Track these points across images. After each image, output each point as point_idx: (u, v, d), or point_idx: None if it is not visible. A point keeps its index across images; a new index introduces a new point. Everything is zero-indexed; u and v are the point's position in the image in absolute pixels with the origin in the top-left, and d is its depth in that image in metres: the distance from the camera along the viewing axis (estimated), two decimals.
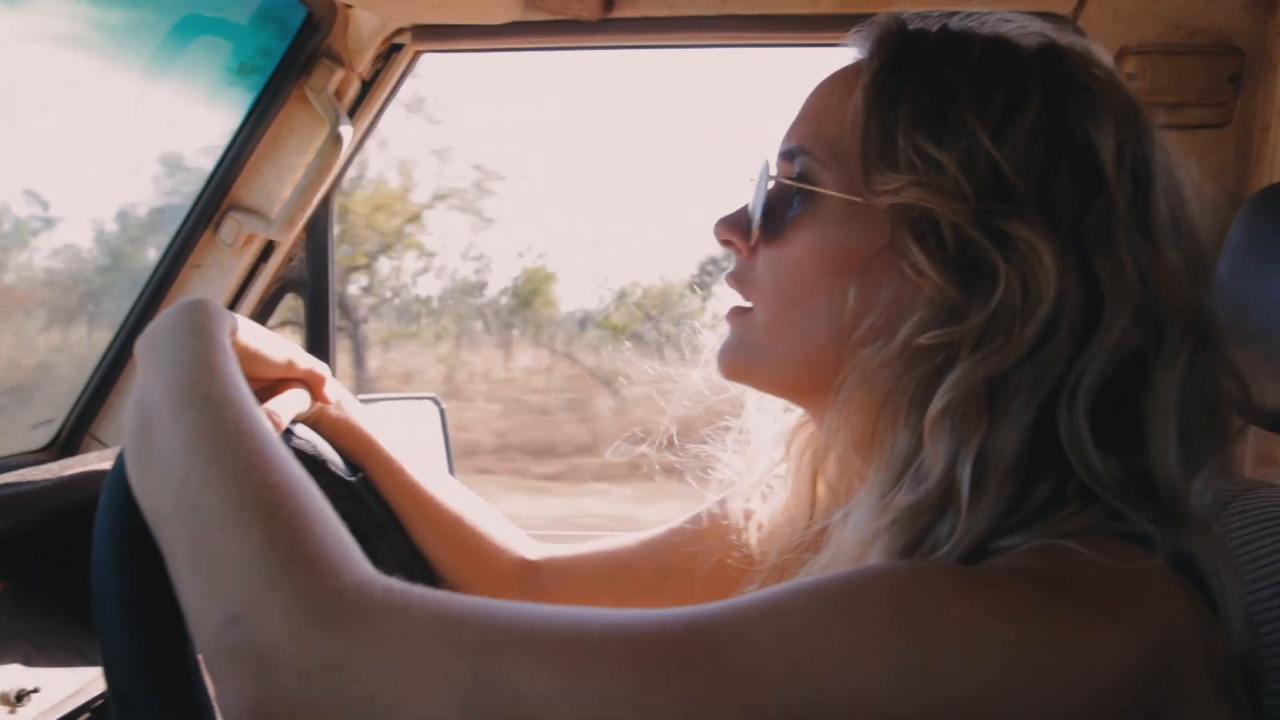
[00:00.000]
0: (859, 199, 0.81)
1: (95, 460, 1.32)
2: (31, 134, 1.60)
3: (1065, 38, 0.84)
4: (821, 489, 1.03)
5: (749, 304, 0.90)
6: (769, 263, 0.87)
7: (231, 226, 1.76)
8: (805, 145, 0.86)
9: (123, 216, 1.92)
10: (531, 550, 1.24)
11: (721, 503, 1.13)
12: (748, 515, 1.09)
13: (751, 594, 0.65)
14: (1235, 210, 1.08)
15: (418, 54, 1.75)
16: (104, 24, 1.60)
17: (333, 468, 1.10)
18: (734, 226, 0.91)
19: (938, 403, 0.72)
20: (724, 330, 0.94)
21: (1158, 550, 0.67)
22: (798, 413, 1.05)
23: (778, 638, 0.60)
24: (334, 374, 1.87)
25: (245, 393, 0.79)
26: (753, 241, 0.89)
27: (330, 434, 1.13)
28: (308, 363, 1.04)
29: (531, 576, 1.22)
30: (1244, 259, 1.05)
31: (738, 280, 0.92)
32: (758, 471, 1.09)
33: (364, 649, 0.61)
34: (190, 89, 1.70)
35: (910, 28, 0.85)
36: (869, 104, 0.80)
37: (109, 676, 0.74)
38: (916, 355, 0.75)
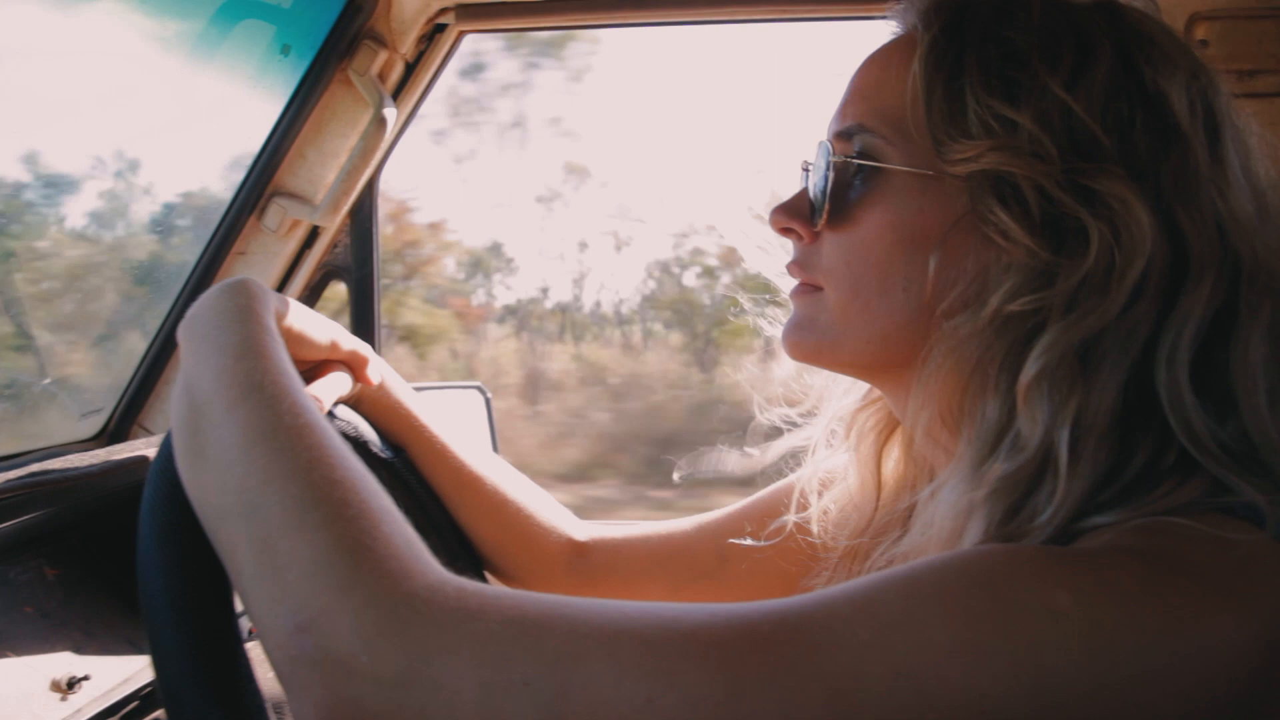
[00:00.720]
0: (931, 171, 0.78)
1: (142, 446, 1.31)
2: (71, 120, 1.60)
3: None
4: (888, 471, 1.00)
5: (818, 284, 0.88)
6: (839, 246, 0.85)
7: (276, 212, 1.74)
8: (865, 122, 0.83)
9: (168, 204, 1.92)
10: (580, 531, 1.21)
11: (785, 489, 1.10)
12: (810, 499, 1.07)
13: (840, 586, 0.62)
14: None
15: (461, 34, 1.72)
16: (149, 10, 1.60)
17: (372, 448, 1.07)
18: (794, 213, 0.89)
19: (1030, 369, 0.69)
20: (788, 310, 0.92)
21: (1268, 525, 0.63)
22: (856, 396, 1.03)
23: (873, 634, 0.57)
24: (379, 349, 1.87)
25: (298, 381, 0.77)
26: (817, 227, 0.87)
27: (372, 414, 1.10)
28: (351, 344, 1.02)
29: (581, 558, 1.19)
30: None
31: (802, 267, 0.89)
32: (818, 457, 1.07)
33: (441, 657, 0.59)
34: (234, 72, 1.68)
35: None
36: (930, 73, 0.78)
37: (159, 675, 0.72)
38: (1007, 322, 0.72)
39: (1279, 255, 0.73)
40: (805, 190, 0.90)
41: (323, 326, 0.97)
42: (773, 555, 1.07)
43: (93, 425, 1.78)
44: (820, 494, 1.06)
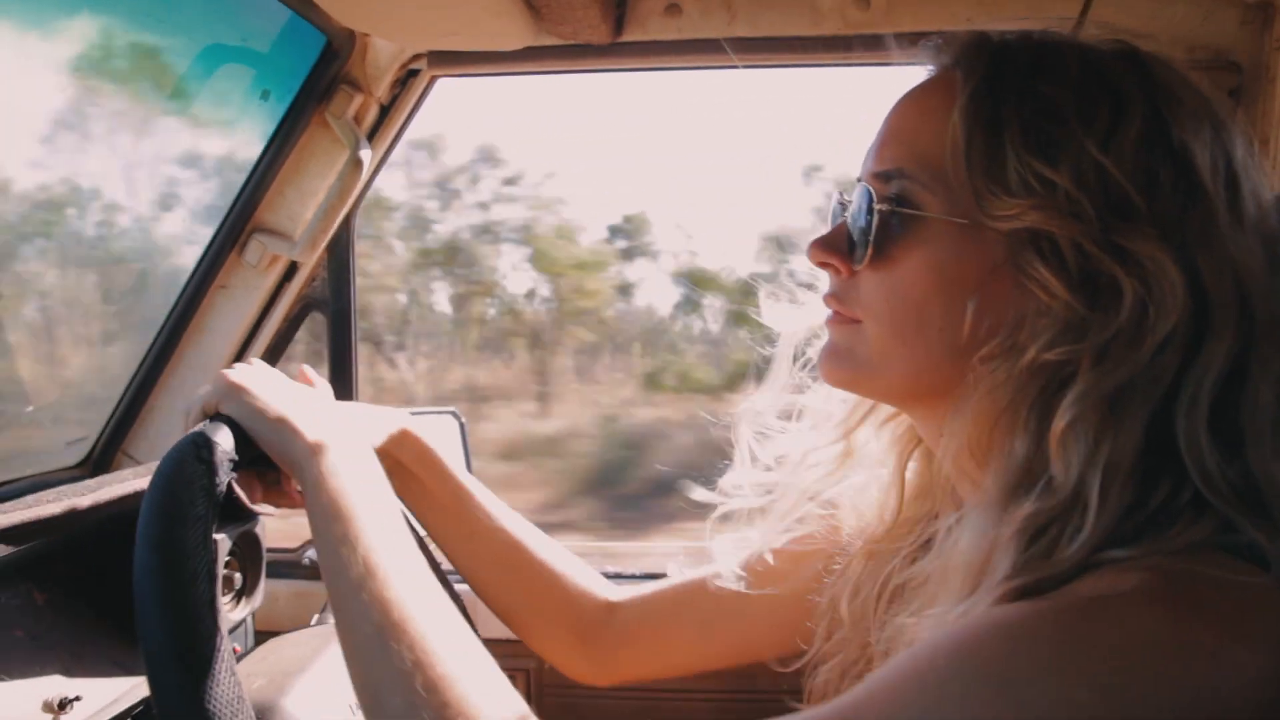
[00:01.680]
0: (970, 221, 0.82)
1: (130, 477, 1.38)
2: (59, 158, 1.66)
3: (1140, 42, 0.85)
4: (909, 479, 1.05)
5: (856, 317, 0.91)
6: (877, 284, 0.88)
7: (256, 248, 1.82)
8: (904, 167, 0.86)
9: (151, 238, 1.98)
10: (610, 590, 1.27)
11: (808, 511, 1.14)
12: (838, 509, 1.11)
13: (861, 690, 0.69)
14: None
15: (434, 79, 1.80)
16: (131, 53, 1.66)
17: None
18: (832, 249, 0.92)
19: (1064, 416, 0.74)
20: (824, 336, 0.96)
21: (1274, 568, 0.69)
22: (882, 412, 1.07)
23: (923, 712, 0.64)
24: (356, 388, 1.94)
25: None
26: (858, 265, 0.90)
27: (420, 479, 1.22)
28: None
29: (613, 615, 1.25)
30: None
31: (839, 300, 0.93)
32: (841, 467, 1.11)
33: None
34: (214, 114, 1.75)
35: (995, 42, 0.86)
36: (970, 125, 0.81)
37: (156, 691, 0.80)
38: (1040, 369, 0.77)
39: None
40: (843, 225, 0.93)
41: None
42: (793, 576, 1.11)
43: (78, 452, 1.84)
44: (848, 501, 1.10)
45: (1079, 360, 0.75)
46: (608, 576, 1.29)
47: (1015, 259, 0.79)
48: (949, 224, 0.83)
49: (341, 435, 0.96)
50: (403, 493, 1.21)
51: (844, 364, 0.92)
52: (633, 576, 1.93)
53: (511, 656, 1.20)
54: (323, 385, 1.15)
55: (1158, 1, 1.58)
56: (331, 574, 0.87)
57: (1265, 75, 1.58)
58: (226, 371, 1.01)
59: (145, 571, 0.82)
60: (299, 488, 0.96)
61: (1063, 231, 0.77)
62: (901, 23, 1.61)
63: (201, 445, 0.89)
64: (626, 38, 1.67)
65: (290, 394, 1.00)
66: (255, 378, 1.01)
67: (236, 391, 0.98)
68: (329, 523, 0.89)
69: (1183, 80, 0.82)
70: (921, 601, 0.85)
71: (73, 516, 1.21)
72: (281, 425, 0.95)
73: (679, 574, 1.25)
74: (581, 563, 1.29)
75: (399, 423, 1.20)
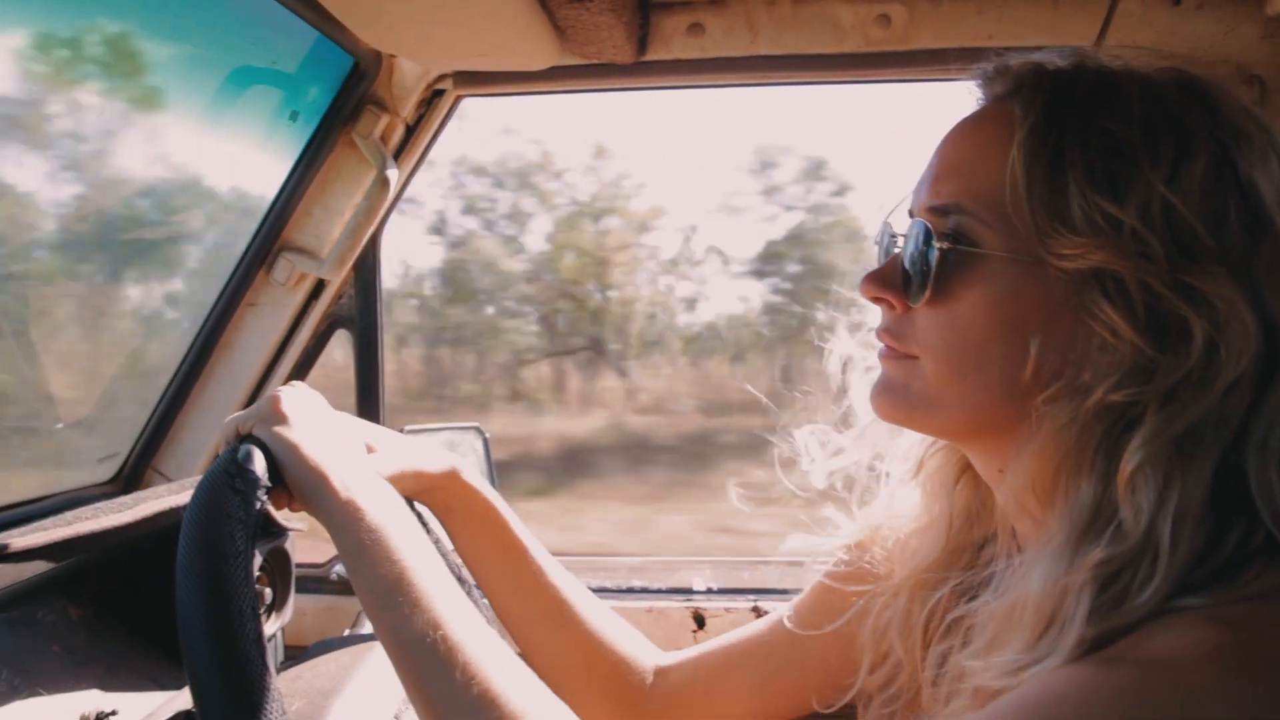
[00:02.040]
0: (1032, 258, 0.80)
1: (165, 493, 1.40)
2: (93, 183, 1.69)
3: (1197, 70, 0.84)
4: (959, 506, 1.03)
5: (912, 352, 0.90)
6: (935, 321, 0.87)
7: (284, 266, 1.84)
8: (962, 203, 0.85)
9: (181, 255, 2.01)
10: (659, 656, 1.25)
11: (858, 549, 1.12)
12: (886, 540, 1.10)
13: None
14: None
15: (459, 99, 1.83)
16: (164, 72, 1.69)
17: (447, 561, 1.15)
18: (886, 284, 0.91)
19: (1132, 460, 0.73)
20: (877, 370, 0.95)
21: None
22: (916, 438, 1.06)
23: None
24: (383, 407, 1.96)
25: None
26: (915, 302, 0.88)
27: (473, 531, 1.20)
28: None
29: (662, 681, 1.22)
30: None
31: (893, 336, 0.91)
32: (888, 497, 1.10)
33: None
34: (243, 135, 1.78)
35: (1051, 72, 0.85)
36: (1031, 160, 0.80)
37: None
38: (1106, 410, 0.76)
39: None
40: (896, 260, 0.91)
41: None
42: (842, 611, 1.10)
43: (108, 469, 1.86)
44: (887, 526, 1.09)
45: (1146, 402, 0.74)
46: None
47: (1079, 298, 0.78)
48: (1010, 261, 0.82)
49: (377, 495, 0.93)
50: (452, 537, 1.20)
51: (900, 400, 0.91)
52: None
53: None
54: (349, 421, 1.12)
55: (1177, 17, 1.59)
56: (399, 650, 0.85)
57: None
58: (274, 395, 0.99)
59: (192, 610, 0.82)
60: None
61: (1130, 271, 0.75)
62: (922, 40, 1.62)
63: (235, 474, 0.89)
64: (650, 57, 1.69)
65: (329, 439, 0.97)
66: (298, 410, 0.98)
67: (277, 422, 0.96)
68: (373, 595, 0.86)
69: (1245, 111, 0.80)
70: (985, 643, 0.82)
71: (109, 534, 1.23)
72: (318, 479, 0.92)
73: (731, 634, 1.22)
74: (628, 625, 1.26)
75: (448, 462, 1.17)
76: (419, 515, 1.15)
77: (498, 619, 1.22)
